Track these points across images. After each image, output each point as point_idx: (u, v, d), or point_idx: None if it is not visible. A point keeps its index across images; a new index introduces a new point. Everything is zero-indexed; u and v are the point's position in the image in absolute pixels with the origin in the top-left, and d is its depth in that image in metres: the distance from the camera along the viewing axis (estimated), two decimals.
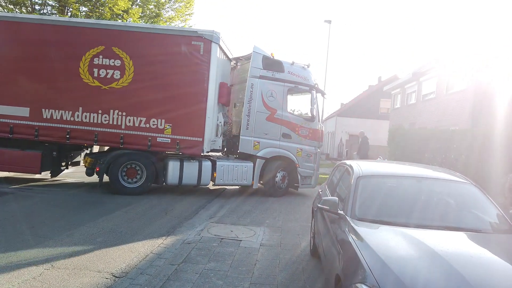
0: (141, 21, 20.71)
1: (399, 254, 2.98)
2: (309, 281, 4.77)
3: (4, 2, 17.93)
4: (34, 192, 9.18)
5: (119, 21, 18.45)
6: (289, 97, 10.95)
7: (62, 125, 9.48)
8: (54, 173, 10.69)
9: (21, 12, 17.69)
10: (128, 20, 19.44)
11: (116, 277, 4.51)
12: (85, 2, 19.23)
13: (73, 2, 18.08)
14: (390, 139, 17.61)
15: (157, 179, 9.83)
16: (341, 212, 3.89)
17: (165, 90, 9.65)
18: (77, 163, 11.47)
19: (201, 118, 9.60)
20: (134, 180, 9.72)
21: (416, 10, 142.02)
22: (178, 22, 22.45)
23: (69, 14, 18.74)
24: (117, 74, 9.49)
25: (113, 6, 18.38)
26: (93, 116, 9.51)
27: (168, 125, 9.58)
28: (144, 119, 9.55)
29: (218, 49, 9.79)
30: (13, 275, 4.30)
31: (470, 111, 15.08)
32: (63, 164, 10.73)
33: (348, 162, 5.27)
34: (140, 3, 21.33)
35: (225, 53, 10.72)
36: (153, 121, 9.56)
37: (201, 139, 9.62)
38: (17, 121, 9.45)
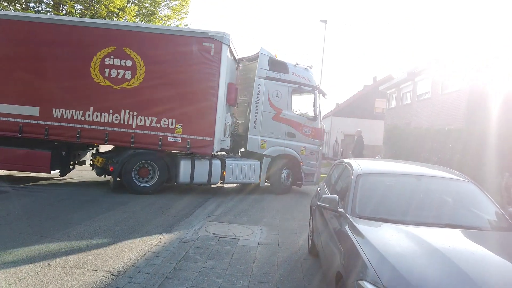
0: (136, 19, 20.63)
1: (400, 251, 3.00)
2: (307, 278, 4.78)
3: None
4: (30, 191, 9.11)
5: (115, 19, 18.35)
6: (293, 97, 11.19)
7: (73, 125, 9.46)
8: (63, 172, 10.61)
9: (15, 9, 17.54)
10: (124, 18, 19.34)
11: (114, 275, 4.48)
12: (80, 0, 19.10)
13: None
14: (386, 138, 17.72)
15: (169, 178, 9.88)
16: (341, 210, 3.90)
17: (175, 90, 9.68)
18: (84, 163, 11.43)
19: (211, 118, 9.66)
20: (145, 179, 9.75)
21: (412, 10, 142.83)
22: (174, 21, 22.46)
23: (64, 12, 18.60)
24: (128, 74, 9.50)
25: (109, 4, 18.28)
26: (104, 116, 9.50)
27: (179, 125, 9.60)
28: (155, 119, 9.57)
29: (228, 50, 9.86)
30: (10, 274, 4.26)
31: (465, 111, 15.18)
32: (71, 163, 10.69)
33: (346, 160, 5.29)
34: (135, 1, 21.27)
35: (233, 54, 10.81)
36: (164, 121, 9.58)
37: (211, 139, 9.68)
38: (26, 121, 9.39)
